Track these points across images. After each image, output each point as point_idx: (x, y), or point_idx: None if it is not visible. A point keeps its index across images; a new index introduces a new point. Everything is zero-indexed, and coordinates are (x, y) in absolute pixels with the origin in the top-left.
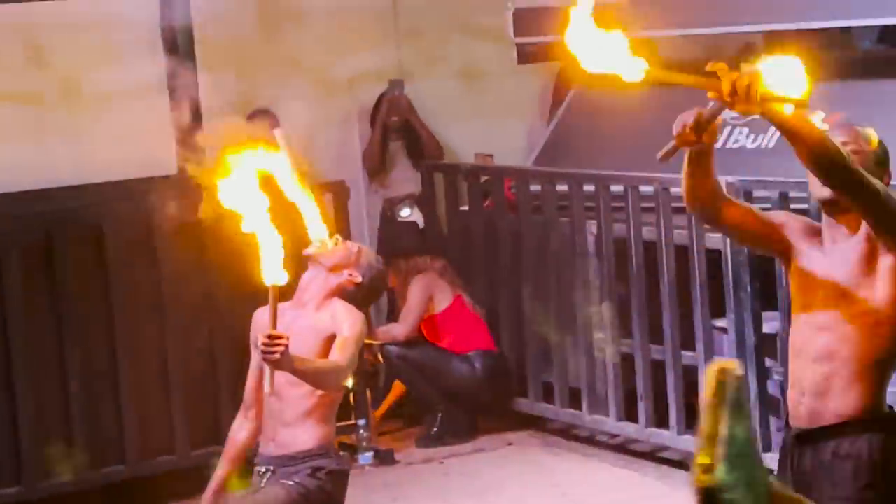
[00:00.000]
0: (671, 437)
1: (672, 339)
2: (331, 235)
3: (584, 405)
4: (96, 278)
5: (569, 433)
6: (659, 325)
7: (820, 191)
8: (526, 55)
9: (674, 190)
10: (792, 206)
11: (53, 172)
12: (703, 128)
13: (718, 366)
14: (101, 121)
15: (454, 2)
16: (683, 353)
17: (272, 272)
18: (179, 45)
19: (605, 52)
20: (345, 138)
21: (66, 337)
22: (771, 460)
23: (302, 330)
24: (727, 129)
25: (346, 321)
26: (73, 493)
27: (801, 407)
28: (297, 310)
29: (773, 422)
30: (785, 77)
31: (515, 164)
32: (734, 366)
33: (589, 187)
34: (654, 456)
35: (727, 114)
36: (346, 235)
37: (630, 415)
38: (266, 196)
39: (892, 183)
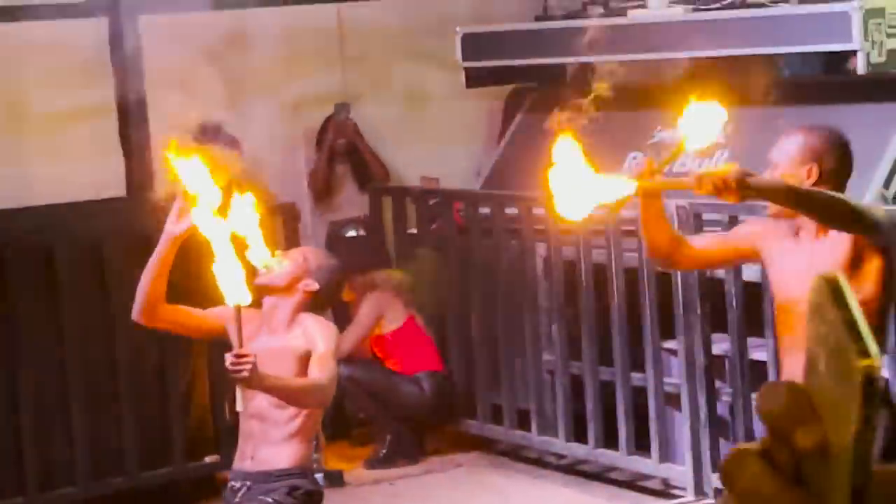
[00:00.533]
0: (620, 458)
1: (622, 360)
2: (272, 254)
3: (533, 426)
4: (47, 300)
5: (517, 454)
6: (608, 346)
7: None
8: (475, 79)
9: (624, 213)
10: None
11: (2, 193)
12: (655, 173)
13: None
14: (50, 143)
15: (400, 26)
16: (633, 374)
17: (234, 293)
18: (128, 66)
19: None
20: (290, 161)
21: (16, 358)
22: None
23: (277, 353)
24: None
25: (319, 336)
26: None
27: None
28: (269, 335)
29: (722, 443)
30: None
31: (460, 187)
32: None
33: (539, 210)
34: (603, 477)
35: (674, 137)
36: None
37: (579, 436)
38: (223, 217)
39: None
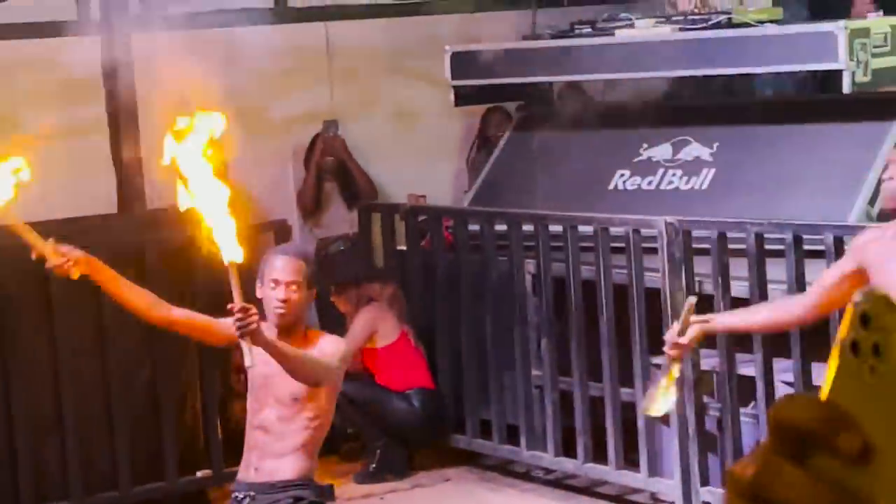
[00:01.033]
0: (609, 472)
1: (611, 375)
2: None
3: (523, 441)
4: (40, 316)
5: (506, 469)
6: (598, 362)
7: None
8: (463, 97)
9: (613, 230)
10: (730, 245)
11: None
12: (685, 329)
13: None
14: (42, 159)
15: (388, 44)
16: (622, 389)
17: (229, 250)
18: (120, 84)
19: None
20: (279, 178)
21: (10, 374)
22: (709, 493)
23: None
24: (661, 171)
25: (326, 342)
26: None
27: None
28: None
29: (710, 458)
30: None
31: (447, 204)
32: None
33: (528, 227)
34: (593, 491)
35: (662, 155)
36: None
37: (568, 450)
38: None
39: None
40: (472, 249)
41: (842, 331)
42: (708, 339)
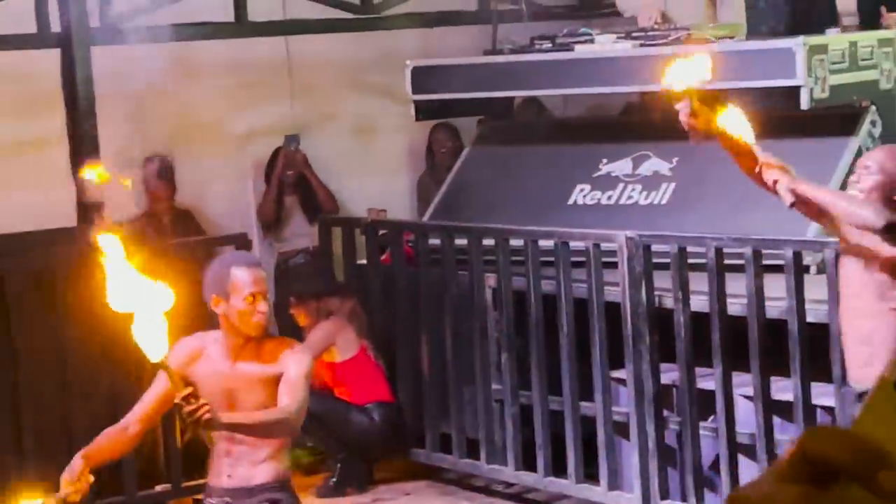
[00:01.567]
0: (569, 486)
1: (571, 389)
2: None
3: (483, 455)
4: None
5: (466, 483)
6: (558, 376)
7: None
8: (424, 112)
9: (573, 244)
10: (690, 259)
11: None
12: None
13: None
14: (1, 172)
15: (348, 58)
16: (582, 403)
17: (153, 349)
18: (80, 97)
19: None
20: (239, 192)
21: None
22: None
23: (247, 378)
24: (621, 186)
25: (291, 360)
26: None
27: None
28: (242, 361)
29: (670, 472)
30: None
31: (407, 219)
32: None
33: (488, 241)
34: None
35: (621, 170)
36: None
37: (528, 464)
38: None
39: None
40: (433, 264)
41: (889, 370)
42: (668, 354)
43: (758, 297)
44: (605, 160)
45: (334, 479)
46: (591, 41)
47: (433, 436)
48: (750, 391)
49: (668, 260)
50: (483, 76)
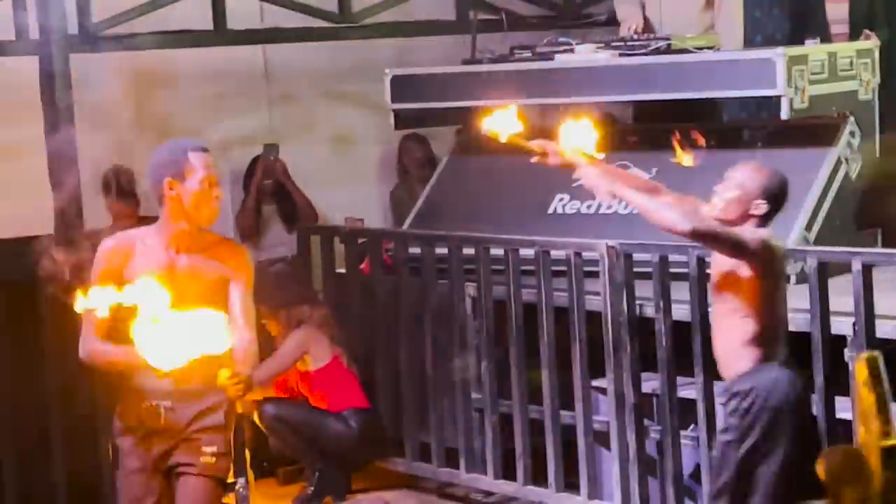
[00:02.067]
0: (549, 495)
1: (551, 398)
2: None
3: (462, 464)
4: None
5: (445, 492)
6: (538, 385)
7: None
8: (403, 121)
9: (554, 253)
10: (672, 268)
11: None
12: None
13: (865, 357)
14: None
15: (326, 67)
16: (562, 412)
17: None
18: (58, 104)
19: None
20: None
21: None
22: None
23: (192, 271)
24: None
25: (242, 275)
26: None
27: None
28: (182, 252)
29: (650, 481)
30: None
31: (388, 227)
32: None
33: (468, 250)
34: None
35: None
36: None
37: (507, 473)
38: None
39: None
40: (412, 272)
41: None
42: (649, 363)
43: None
44: None
45: (312, 489)
46: (572, 51)
47: (412, 444)
48: None
49: (649, 269)
50: (462, 85)
